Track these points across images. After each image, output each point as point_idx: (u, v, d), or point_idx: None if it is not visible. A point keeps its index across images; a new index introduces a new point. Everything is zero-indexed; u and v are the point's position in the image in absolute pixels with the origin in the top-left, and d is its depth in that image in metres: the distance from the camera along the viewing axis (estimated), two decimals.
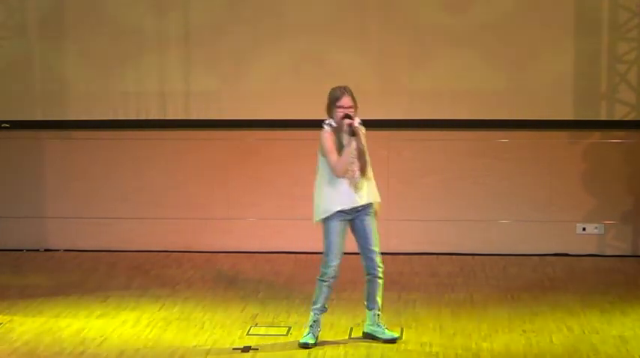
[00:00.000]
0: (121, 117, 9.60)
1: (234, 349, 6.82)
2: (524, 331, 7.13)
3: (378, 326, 6.94)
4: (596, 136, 9.41)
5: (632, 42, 9.24)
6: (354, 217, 6.84)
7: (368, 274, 6.91)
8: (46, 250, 9.80)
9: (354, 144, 6.75)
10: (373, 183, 6.90)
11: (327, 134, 6.80)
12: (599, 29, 9.22)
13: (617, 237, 9.44)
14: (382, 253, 9.28)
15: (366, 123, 9.30)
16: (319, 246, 9.49)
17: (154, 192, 9.70)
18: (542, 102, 9.27)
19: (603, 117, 9.33)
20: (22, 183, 9.78)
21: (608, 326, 7.23)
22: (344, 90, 6.85)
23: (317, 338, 6.86)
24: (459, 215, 9.50)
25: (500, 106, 9.31)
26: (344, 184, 6.78)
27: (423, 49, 9.34)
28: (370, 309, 6.94)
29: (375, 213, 6.92)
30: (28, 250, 9.79)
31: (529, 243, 9.44)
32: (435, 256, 9.41)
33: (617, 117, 9.32)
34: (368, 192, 6.85)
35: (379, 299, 6.93)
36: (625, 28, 9.24)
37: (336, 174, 6.74)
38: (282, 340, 7.00)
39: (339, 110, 6.79)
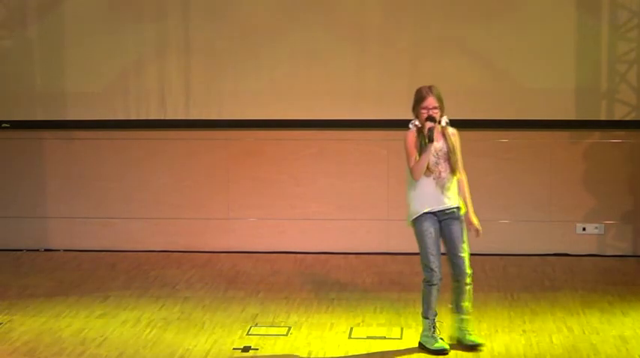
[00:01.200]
0: (121, 117, 9.59)
1: (234, 349, 6.82)
2: (524, 331, 7.13)
3: (462, 330, 6.74)
4: (596, 136, 9.39)
5: (632, 42, 9.23)
6: (441, 219, 6.64)
7: (455, 281, 6.69)
8: (46, 250, 9.79)
9: (433, 146, 6.58)
10: (455, 185, 6.71)
11: (410, 134, 6.63)
12: (599, 29, 9.21)
13: (617, 237, 9.43)
14: (382, 253, 9.35)
15: (366, 123, 9.40)
16: (320, 246, 9.60)
17: (154, 192, 9.69)
18: (542, 102, 9.25)
19: (603, 117, 9.31)
20: (22, 183, 9.77)
21: (608, 326, 7.23)
22: (429, 90, 6.63)
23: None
24: None
25: (500, 106, 9.29)
26: (430, 185, 6.62)
27: (422, 48, 9.32)
28: (457, 313, 6.74)
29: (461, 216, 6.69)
30: (28, 250, 9.78)
31: (529, 243, 9.43)
32: None
33: (617, 117, 9.30)
34: (456, 194, 6.70)
35: (466, 304, 6.71)
36: (625, 28, 9.23)
37: (414, 176, 6.59)
38: (282, 340, 7.00)
39: (423, 111, 6.59)
